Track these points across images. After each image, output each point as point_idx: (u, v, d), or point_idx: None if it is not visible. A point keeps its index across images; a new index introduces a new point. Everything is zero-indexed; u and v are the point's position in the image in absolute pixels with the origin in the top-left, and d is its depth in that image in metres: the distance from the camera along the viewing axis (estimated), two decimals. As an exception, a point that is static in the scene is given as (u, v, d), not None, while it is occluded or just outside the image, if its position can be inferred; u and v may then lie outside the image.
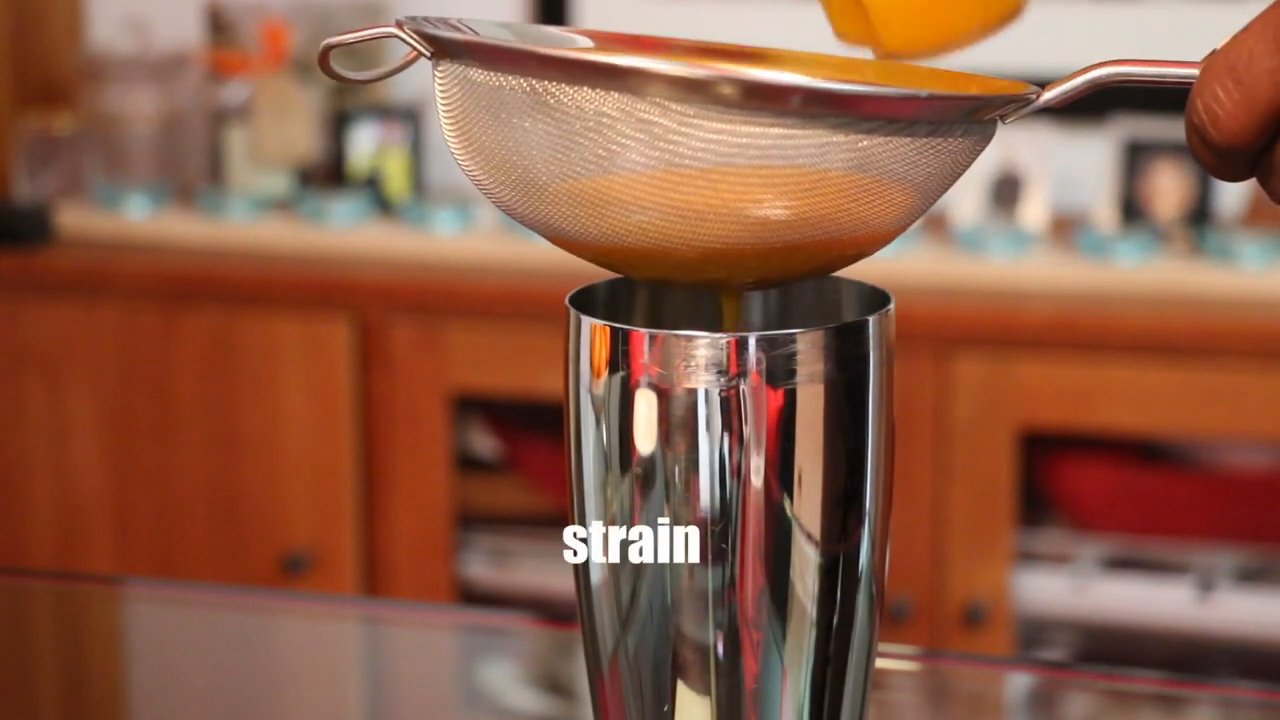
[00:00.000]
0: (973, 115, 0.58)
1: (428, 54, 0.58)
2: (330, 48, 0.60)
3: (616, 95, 0.55)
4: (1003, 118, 0.59)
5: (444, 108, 0.59)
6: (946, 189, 0.60)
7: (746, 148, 0.55)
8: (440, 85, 0.59)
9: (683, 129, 0.55)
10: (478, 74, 0.57)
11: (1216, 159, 0.56)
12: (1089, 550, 1.90)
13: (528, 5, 2.29)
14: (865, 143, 0.55)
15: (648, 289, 0.66)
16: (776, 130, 0.54)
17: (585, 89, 0.55)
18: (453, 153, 0.60)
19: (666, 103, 0.54)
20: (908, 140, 0.56)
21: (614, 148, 0.55)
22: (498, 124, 0.57)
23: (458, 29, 0.60)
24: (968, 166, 0.60)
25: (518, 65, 0.56)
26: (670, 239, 0.57)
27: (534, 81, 0.56)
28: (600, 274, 0.66)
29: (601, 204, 0.57)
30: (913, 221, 0.60)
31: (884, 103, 0.55)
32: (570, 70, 0.55)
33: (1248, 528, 1.89)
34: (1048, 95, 0.59)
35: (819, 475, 0.59)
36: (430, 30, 0.58)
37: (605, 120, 0.55)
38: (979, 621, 1.81)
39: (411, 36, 0.58)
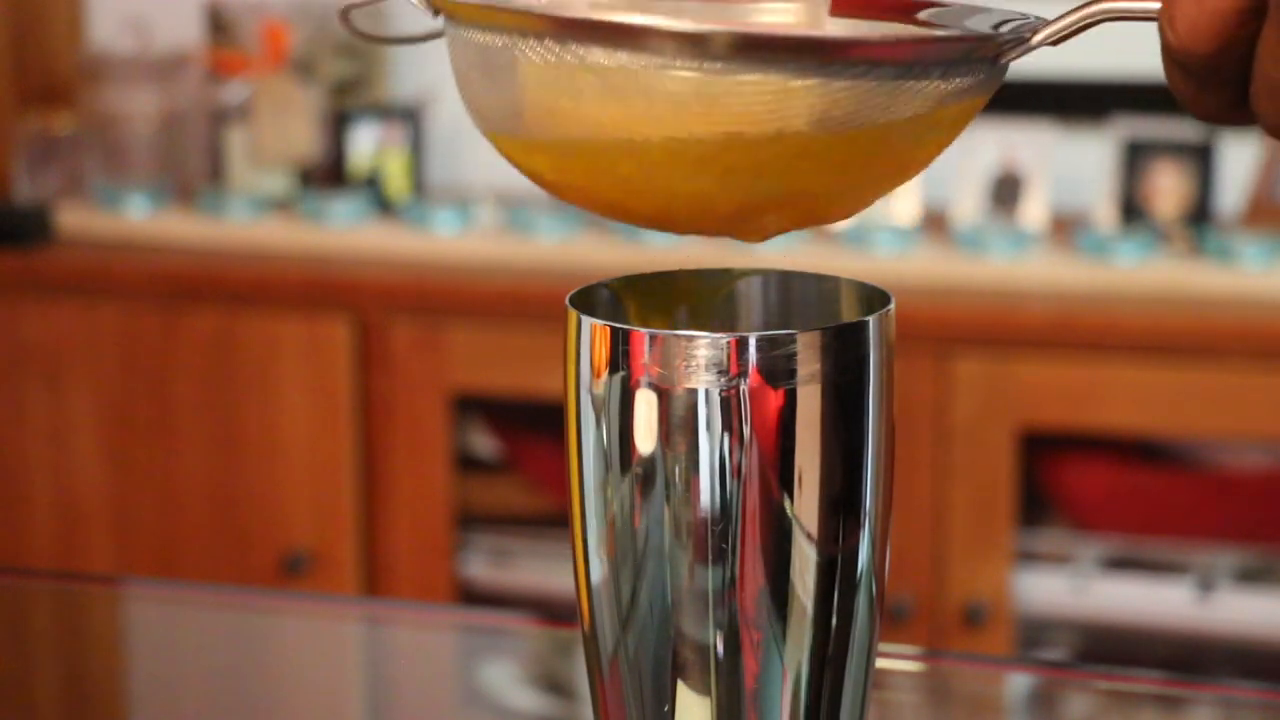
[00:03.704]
0: (971, 55, 0.57)
1: (430, 13, 0.60)
2: (349, 8, 0.61)
3: (600, 50, 0.55)
4: (1000, 58, 0.58)
5: (452, 64, 0.60)
6: (952, 137, 0.59)
7: (733, 97, 0.55)
8: (447, 43, 0.60)
9: (665, 79, 0.55)
10: (468, 32, 0.58)
11: (1187, 80, 0.54)
12: (1089, 550, 1.90)
13: None
14: (856, 85, 0.55)
15: (648, 288, 0.66)
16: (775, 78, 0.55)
17: (569, 44, 0.56)
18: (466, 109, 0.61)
19: (655, 59, 0.55)
20: (896, 84, 0.56)
21: (598, 101, 0.56)
22: (488, 79, 0.58)
23: None
24: (974, 112, 0.59)
25: (496, 22, 0.57)
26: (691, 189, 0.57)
27: (514, 38, 0.57)
28: (600, 274, 0.66)
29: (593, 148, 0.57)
30: (920, 168, 0.60)
31: (872, 48, 0.55)
32: (547, 27, 0.56)
33: (1248, 528, 1.89)
34: (1042, 34, 0.58)
35: (819, 475, 0.59)
36: None
37: (595, 71, 0.55)
38: (979, 621, 1.81)
39: None
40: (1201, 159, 1.93)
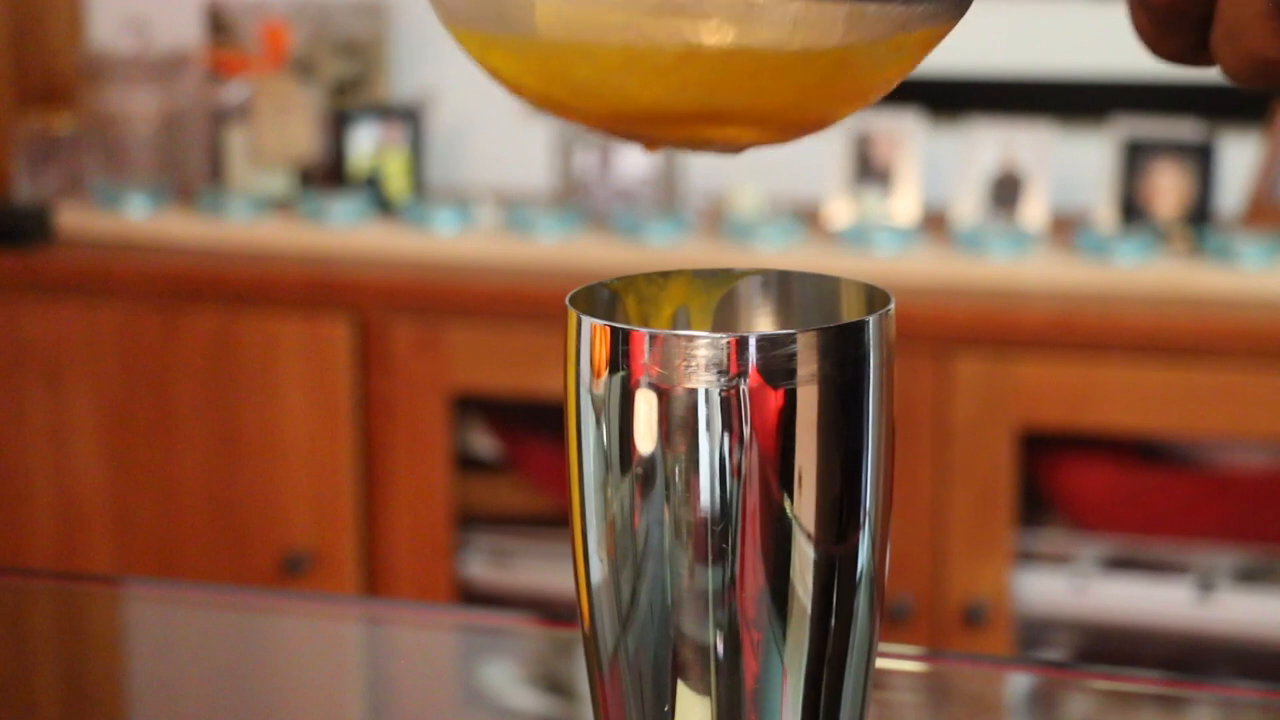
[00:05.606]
0: None
1: None
2: None
3: None
4: None
5: None
6: (914, 64, 0.59)
7: None
8: None
9: None
10: None
11: (1150, 20, 0.53)
12: (1089, 550, 1.90)
13: None
14: (816, 5, 0.54)
15: (648, 288, 0.66)
16: None
17: None
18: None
19: None
20: (855, 5, 0.55)
21: None
22: None
23: None
24: (936, 41, 0.59)
25: None
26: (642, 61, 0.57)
27: None
28: (600, 274, 0.66)
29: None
30: (881, 92, 0.59)
31: None
32: None
33: (1248, 528, 1.89)
34: None
35: (819, 475, 0.59)
36: None
37: None
38: (979, 621, 1.81)
39: None
40: (1201, 159, 1.93)
